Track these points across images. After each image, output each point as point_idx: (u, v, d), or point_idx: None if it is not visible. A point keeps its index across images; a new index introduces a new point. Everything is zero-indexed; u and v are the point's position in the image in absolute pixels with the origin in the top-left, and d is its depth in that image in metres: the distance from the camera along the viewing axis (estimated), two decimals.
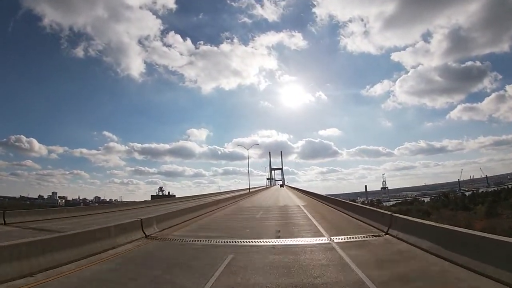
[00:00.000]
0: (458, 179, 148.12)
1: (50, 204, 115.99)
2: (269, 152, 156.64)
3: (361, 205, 15.95)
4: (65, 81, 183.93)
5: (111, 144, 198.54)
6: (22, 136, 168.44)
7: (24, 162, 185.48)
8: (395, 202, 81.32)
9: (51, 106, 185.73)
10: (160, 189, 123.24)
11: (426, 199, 70.60)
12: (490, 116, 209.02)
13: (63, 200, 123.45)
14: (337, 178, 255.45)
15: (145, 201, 38.51)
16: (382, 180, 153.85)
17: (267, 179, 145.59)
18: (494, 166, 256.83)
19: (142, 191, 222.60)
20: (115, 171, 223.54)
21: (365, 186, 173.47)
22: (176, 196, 62.80)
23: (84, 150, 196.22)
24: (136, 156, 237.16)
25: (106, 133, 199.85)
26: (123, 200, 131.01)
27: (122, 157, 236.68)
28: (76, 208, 24.29)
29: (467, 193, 55.81)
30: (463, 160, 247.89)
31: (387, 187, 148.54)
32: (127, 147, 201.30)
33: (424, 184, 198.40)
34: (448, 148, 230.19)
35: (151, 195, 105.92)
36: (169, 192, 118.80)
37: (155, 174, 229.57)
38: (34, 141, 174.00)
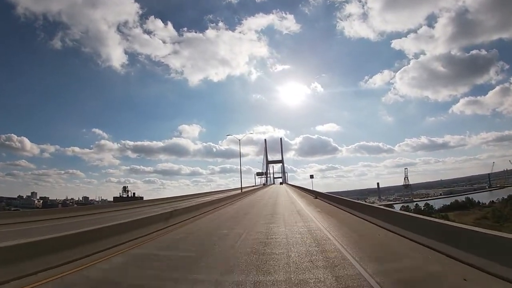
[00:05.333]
0: (489, 174, 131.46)
1: (25, 205, 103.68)
2: (265, 139, 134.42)
3: None
4: (45, 75, 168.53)
5: (102, 142, 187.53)
6: (13, 135, 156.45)
7: (18, 162, 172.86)
8: (442, 204, 64.65)
9: (36, 102, 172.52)
10: (124, 189, 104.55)
11: (480, 199, 55.14)
12: (493, 111, 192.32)
13: (41, 201, 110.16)
14: (336, 176, 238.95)
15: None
16: (404, 176, 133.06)
17: (257, 174, 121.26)
18: (495, 162, 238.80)
19: (140, 190, 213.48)
20: (110, 170, 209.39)
21: (377, 184, 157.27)
22: (144, 199, 48.19)
23: (76, 149, 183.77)
24: (129, 154, 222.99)
25: (96, 130, 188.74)
26: (101, 199, 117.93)
27: (116, 156, 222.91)
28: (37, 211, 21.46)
29: None
30: (464, 156, 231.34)
31: (410, 184, 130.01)
32: (119, 145, 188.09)
33: (439, 180, 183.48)
34: (450, 144, 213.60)
35: (114, 197, 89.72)
36: (134, 194, 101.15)
37: (152, 173, 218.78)
38: (26, 140, 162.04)
